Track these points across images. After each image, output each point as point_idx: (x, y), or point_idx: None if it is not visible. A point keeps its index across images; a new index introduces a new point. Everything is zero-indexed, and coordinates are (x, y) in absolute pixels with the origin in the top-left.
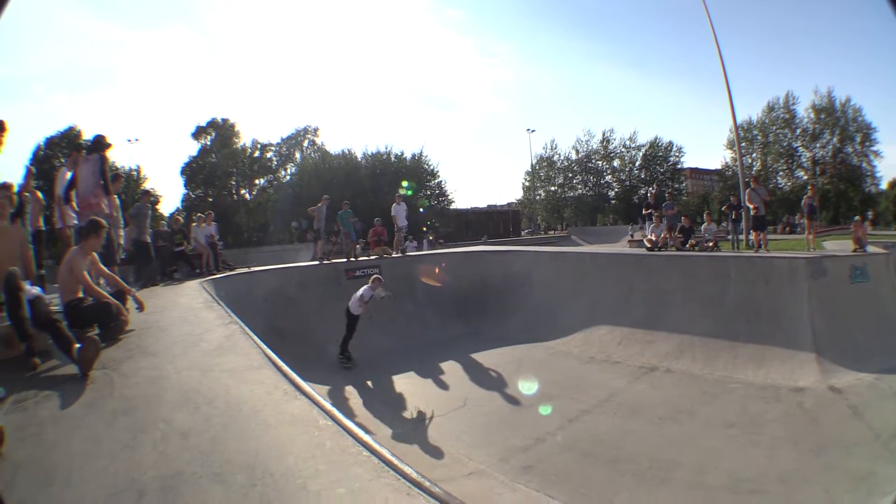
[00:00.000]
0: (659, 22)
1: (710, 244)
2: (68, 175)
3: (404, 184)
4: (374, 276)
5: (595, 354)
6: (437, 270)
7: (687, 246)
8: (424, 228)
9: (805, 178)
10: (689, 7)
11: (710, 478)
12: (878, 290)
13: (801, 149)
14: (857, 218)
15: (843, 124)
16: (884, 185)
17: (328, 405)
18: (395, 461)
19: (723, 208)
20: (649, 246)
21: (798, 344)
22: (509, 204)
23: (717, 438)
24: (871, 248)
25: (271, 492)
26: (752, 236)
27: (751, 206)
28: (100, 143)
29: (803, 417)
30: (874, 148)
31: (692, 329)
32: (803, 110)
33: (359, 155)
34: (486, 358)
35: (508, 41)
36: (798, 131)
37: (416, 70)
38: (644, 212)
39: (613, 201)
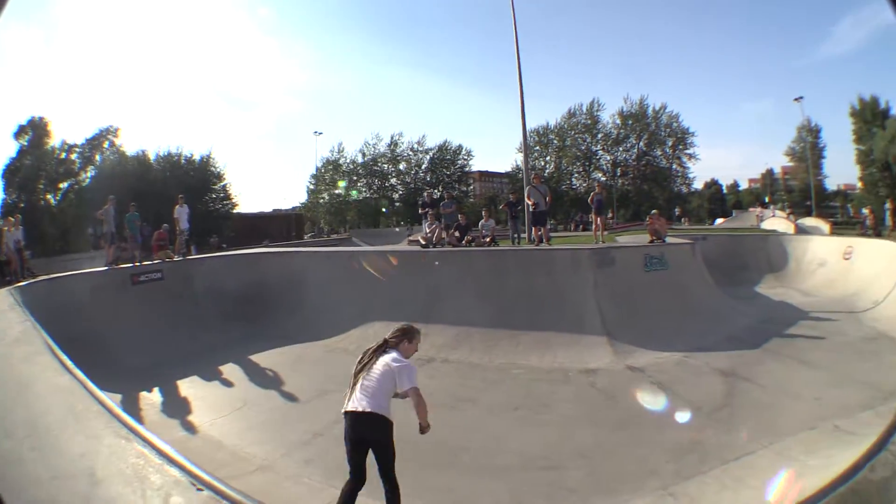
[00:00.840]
0: (467, 30)
1: (487, 240)
2: None
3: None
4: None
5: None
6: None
7: (463, 242)
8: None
9: (603, 179)
10: (492, 16)
11: (498, 459)
12: (682, 278)
13: (601, 152)
14: (653, 212)
15: (652, 129)
16: (699, 185)
17: (81, 374)
18: (128, 418)
19: (500, 206)
20: (424, 243)
21: (586, 329)
22: (294, 208)
23: (503, 422)
24: (673, 240)
25: (38, 441)
26: (533, 232)
27: (530, 203)
28: None
29: (597, 396)
30: (688, 151)
31: (469, 320)
32: (608, 116)
33: (152, 157)
34: (266, 358)
35: (310, 42)
36: (599, 136)
37: (218, 68)
38: (420, 211)
39: (397, 204)
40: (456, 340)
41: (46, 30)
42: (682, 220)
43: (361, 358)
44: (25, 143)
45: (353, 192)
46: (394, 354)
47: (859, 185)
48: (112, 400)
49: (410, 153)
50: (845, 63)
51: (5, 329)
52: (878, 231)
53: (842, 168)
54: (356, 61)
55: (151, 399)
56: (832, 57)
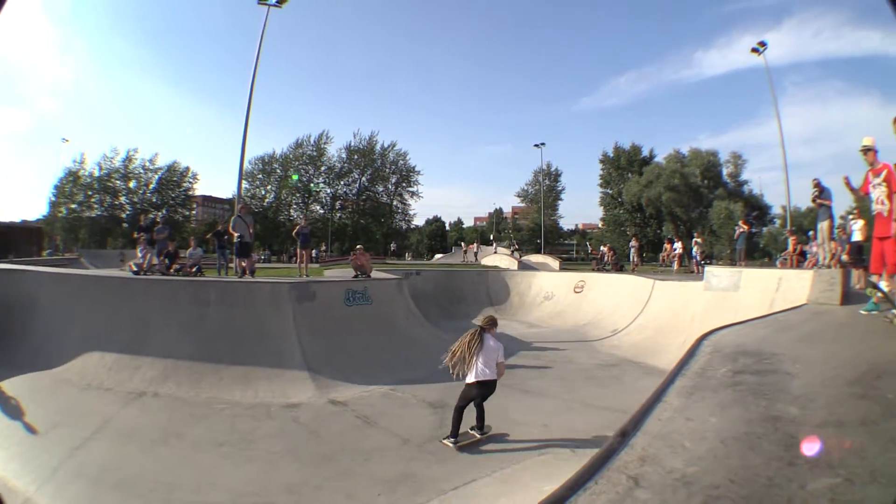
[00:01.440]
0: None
1: (192, 269)
2: None
3: None
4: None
5: (91, 381)
6: None
7: (171, 270)
8: None
9: (321, 211)
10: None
11: (210, 496)
12: (386, 312)
13: (322, 185)
14: (358, 247)
15: (378, 165)
16: (420, 222)
17: None
18: None
19: (206, 236)
20: (136, 270)
21: (287, 363)
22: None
23: (210, 458)
24: (378, 275)
25: None
26: (238, 264)
27: (234, 235)
28: None
29: (300, 431)
30: (412, 189)
31: (176, 353)
32: (336, 150)
33: None
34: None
35: (88, 37)
36: (323, 168)
37: None
38: (133, 235)
39: (125, 224)
40: (164, 374)
41: None
42: (406, 254)
43: (470, 341)
44: None
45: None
46: (492, 337)
47: (601, 224)
48: None
49: (142, 171)
50: (604, 114)
51: None
52: (618, 266)
53: (582, 209)
54: (115, 68)
55: None
56: (590, 109)
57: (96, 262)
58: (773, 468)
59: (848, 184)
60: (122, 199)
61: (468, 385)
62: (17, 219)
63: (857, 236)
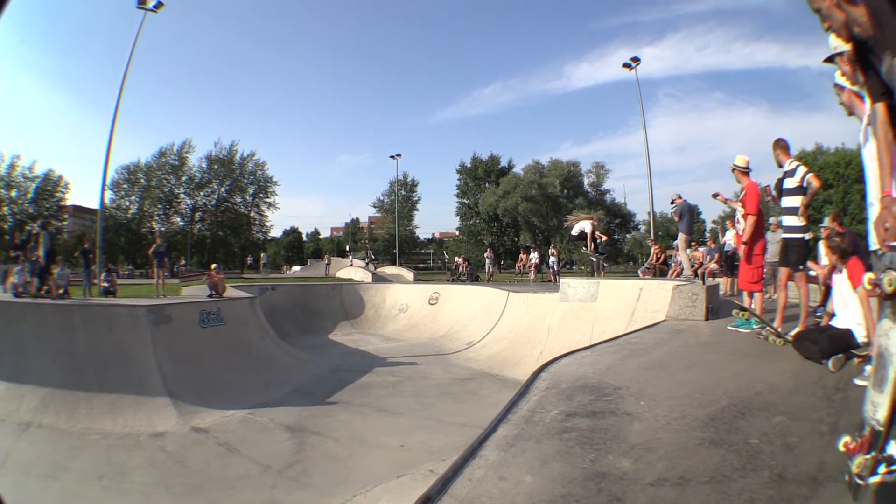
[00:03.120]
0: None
1: (59, 290)
2: None
3: None
4: None
5: None
6: None
7: (40, 291)
8: None
9: (182, 223)
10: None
11: None
12: (241, 332)
13: (183, 195)
14: (214, 266)
15: (236, 176)
16: (277, 233)
17: None
18: None
19: (74, 253)
20: (17, 291)
21: (149, 390)
22: None
23: (94, 491)
24: (234, 293)
25: None
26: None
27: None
28: None
29: (168, 461)
30: (269, 200)
31: (53, 381)
32: (197, 159)
33: None
34: None
35: None
36: (184, 178)
37: None
38: (10, 254)
39: (6, 236)
40: (44, 403)
41: None
42: (265, 267)
43: None
44: None
45: None
46: None
47: (457, 233)
48: None
49: (22, 179)
50: (465, 124)
51: None
52: (473, 277)
53: (438, 218)
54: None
55: None
56: (448, 119)
57: None
58: None
59: (722, 198)
60: (5, 209)
61: None
62: None
63: (731, 244)
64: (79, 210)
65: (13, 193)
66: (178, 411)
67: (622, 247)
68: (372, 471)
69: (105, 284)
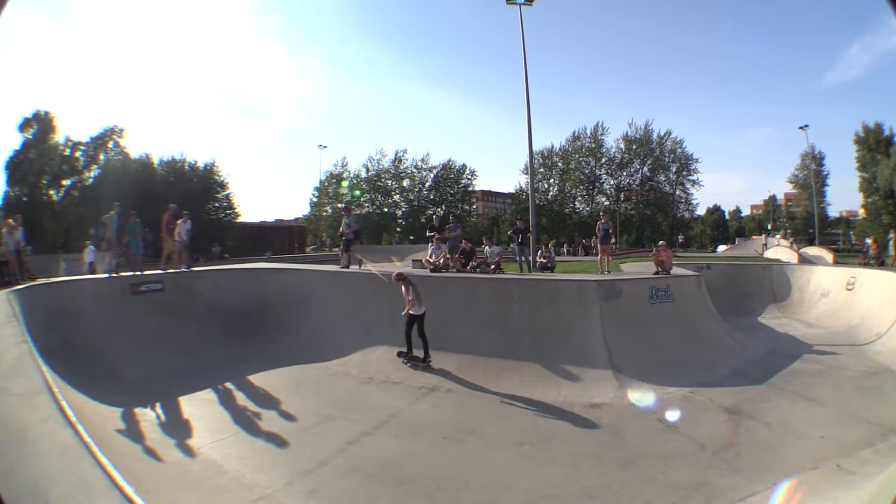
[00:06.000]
0: (473, 46)
1: (491, 266)
2: None
3: None
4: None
5: (374, 375)
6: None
7: (467, 267)
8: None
9: (606, 203)
10: (505, 36)
11: (503, 497)
12: (687, 310)
13: (605, 176)
14: (661, 243)
15: (657, 155)
16: (702, 211)
17: (88, 437)
18: (136, 498)
19: (509, 233)
20: (430, 267)
21: (592, 362)
22: (296, 219)
23: (507, 457)
24: (678, 271)
25: None
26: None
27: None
28: None
29: (603, 432)
30: (692, 177)
31: (474, 349)
32: (613, 141)
33: (156, 161)
34: (266, 378)
35: (321, 53)
36: (604, 160)
37: (225, 75)
38: (427, 234)
39: (401, 221)
40: (460, 369)
41: (58, 19)
42: (680, 247)
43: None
44: (30, 136)
45: (357, 192)
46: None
47: (862, 212)
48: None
49: (415, 170)
50: (851, 90)
51: (1, 352)
52: (880, 260)
53: (844, 195)
54: (364, 74)
55: (150, 416)
56: (838, 84)
57: (371, 256)
58: None
59: None
60: (397, 197)
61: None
62: (270, 219)
63: None
64: (488, 194)
65: (404, 183)
66: (619, 384)
67: None
68: (792, 460)
69: (542, 260)
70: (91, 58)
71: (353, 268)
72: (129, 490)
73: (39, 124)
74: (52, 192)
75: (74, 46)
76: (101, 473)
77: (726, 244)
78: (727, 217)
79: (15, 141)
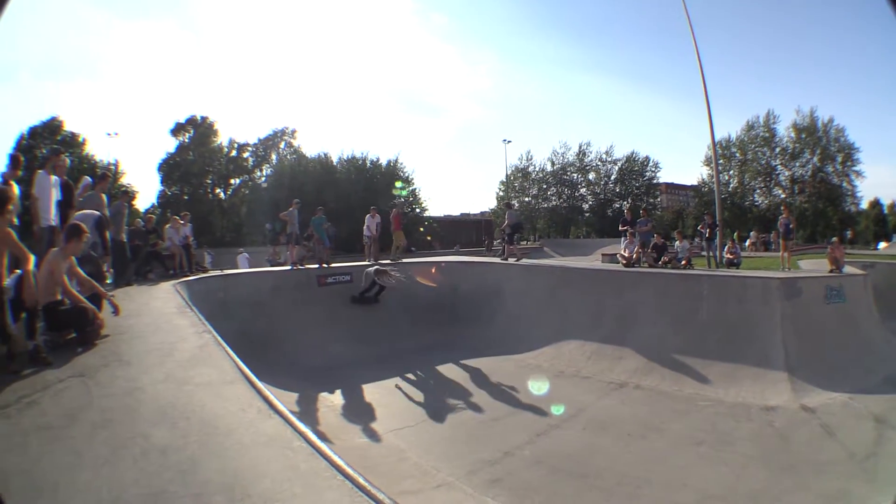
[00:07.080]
0: (645, 36)
1: (683, 262)
2: (53, 178)
3: (398, 184)
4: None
5: (564, 369)
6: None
7: (660, 263)
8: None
9: (783, 196)
10: (676, 23)
11: (678, 495)
12: (854, 311)
13: (779, 167)
14: (834, 239)
15: (824, 144)
16: (864, 205)
17: (301, 426)
18: (368, 486)
19: (699, 227)
20: (623, 262)
21: (770, 363)
22: (483, 213)
23: (686, 456)
24: (848, 269)
25: None
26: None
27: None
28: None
29: (774, 436)
30: (856, 168)
31: (662, 346)
32: (784, 129)
33: (335, 159)
34: (455, 369)
35: (492, 48)
36: (777, 150)
37: (397, 75)
38: (620, 228)
39: (587, 214)
40: (648, 366)
41: (197, 33)
42: (851, 244)
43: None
44: (186, 140)
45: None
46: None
47: None
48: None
49: (599, 163)
50: None
51: (175, 342)
52: None
53: None
54: (539, 67)
55: (331, 401)
56: None
57: (559, 250)
58: None
59: None
60: (583, 190)
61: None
62: (456, 213)
63: None
64: (672, 187)
65: (590, 176)
66: (792, 387)
67: None
68: None
69: (729, 256)
70: (262, 68)
71: (511, 260)
72: (361, 480)
73: (196, 128)
74: (218, 190)
75: (244, 58)
76: (325, 463)
77: (885, 241)
78: (885, 211)
79: (169, 145)
